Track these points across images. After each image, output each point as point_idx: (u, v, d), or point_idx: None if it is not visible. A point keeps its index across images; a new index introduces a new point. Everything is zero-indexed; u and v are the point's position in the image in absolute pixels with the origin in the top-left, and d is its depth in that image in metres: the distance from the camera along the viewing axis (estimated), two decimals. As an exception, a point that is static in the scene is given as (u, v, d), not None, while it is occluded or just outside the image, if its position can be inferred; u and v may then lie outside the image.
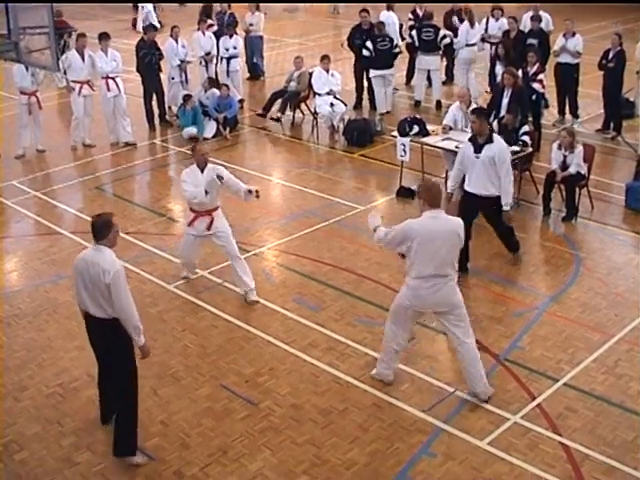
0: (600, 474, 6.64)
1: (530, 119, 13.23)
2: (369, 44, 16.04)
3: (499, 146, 9.44)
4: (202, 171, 9.16)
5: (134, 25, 26.14)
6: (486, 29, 16.99)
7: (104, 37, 14.86)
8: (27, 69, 13.67)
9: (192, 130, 15.31)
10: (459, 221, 7.36)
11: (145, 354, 6.89)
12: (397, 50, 16.44)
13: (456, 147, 11.71)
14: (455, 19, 17.91)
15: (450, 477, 6.66)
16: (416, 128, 12.68)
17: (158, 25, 23.31)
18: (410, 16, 18.41)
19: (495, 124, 11.90)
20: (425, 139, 12.63)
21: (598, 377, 7.90)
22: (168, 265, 10.38)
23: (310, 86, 15.76)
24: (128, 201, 12.61)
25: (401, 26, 18.04)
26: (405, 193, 12.23)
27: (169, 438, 7.20)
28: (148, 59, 15.71)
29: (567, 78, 15.43)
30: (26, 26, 7.80)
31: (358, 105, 17.08)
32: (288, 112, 16.17)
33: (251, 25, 19.40)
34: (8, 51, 7.83)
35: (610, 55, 14.56)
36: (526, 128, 11.87)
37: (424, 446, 7.01)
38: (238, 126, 16.02)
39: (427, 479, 6.65)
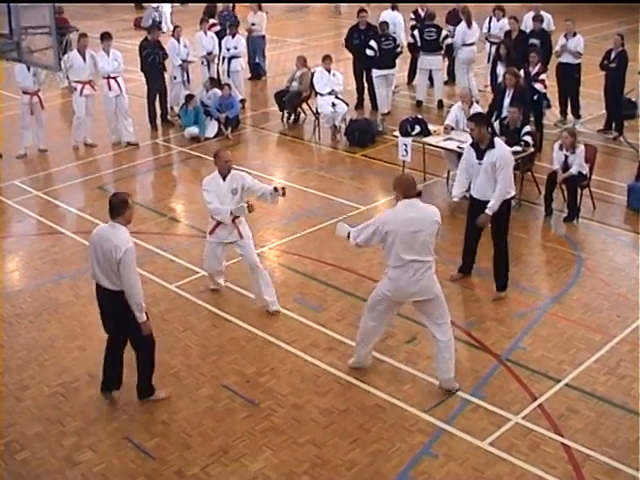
0: (601, 475, 6.64)
1: (532, 119, 13.24)
2: (373, 44, 16.04)
3: (500, 151, 9.06)
4: (224, 178, 8.88)
5: (136, 25, 26.16)
6: (489, 29, 17.01)
7: (106, 37, 14.85)
8: (29, 69, 13.69)
9: (194, 130, 15.33)
10: (434, 208, 7.50)
11: (145, 331, 7.27)
12: (399, 50, 16.46)
13: (458, 147, 11.74)
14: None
15: (451, 478, 6.66)
16: (418, 128, 12.71)
17: (171, 27, 23.26)
18: (412, 16, 18.40)
19: (497, 124, 11.90)
20: (427, 139, 12.64)
21: (600, 378, 7.90)
22: (169, 265, 10.38)
23: (312, 86, 15.76)
24: (130, 201, 12.59)
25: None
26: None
27: (170, 438, 7.20)
28: (151, 58, 15.68)
29: (568, 78, 15.42)
30: (28, 26, 7.79)
31: (360, 105, 17.08)
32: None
33: (253, 25, 19.38)
34: (10, 51, 7.81)
35: (612, 55, 14.56)
36: (528, 128, 11.86)
37: (425, 447, 7.01)
38: (240, 126, 16.02)
39: (428, 480, 6.67)
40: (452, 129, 12.53)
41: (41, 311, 9.40)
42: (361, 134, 14.83)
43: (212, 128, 15.55)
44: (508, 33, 16.12)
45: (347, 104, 15.52)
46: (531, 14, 16.55)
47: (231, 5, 19.95)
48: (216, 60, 17.52)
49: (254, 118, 16.83)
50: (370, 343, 7.96)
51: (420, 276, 7.34)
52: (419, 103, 17.14)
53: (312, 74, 15.81)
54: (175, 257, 10.56)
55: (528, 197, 12.05)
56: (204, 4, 20.08)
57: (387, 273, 7.50)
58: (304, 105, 16.44)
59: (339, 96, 15.39)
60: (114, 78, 14.78)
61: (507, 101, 12.42)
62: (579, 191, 11.37)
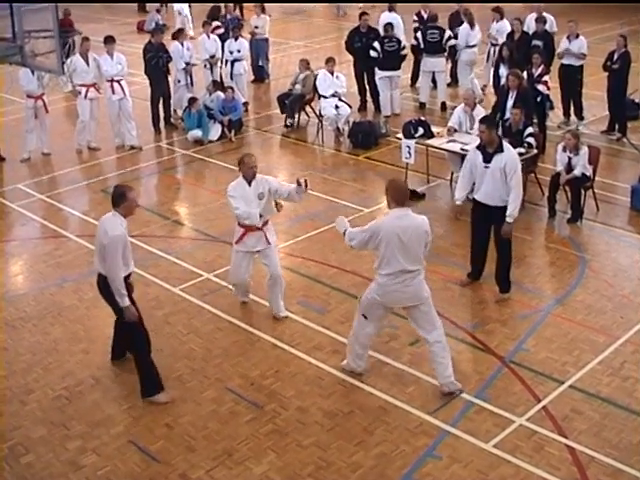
0: (606, 477, 6.63)
1: (535, 121, 13.23)
2: (376, 45, 16.06)
3: (509, 156, 9.00)
4: (249, 184, 8.75)
5: (139, 28, 26.20)
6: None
7: (109, 40, 14.89)
8: (33, 73, 13.70)
9: (197, 133, 15.35)
10: (424, 218, 7.57)
11: (128, 317, 7.47)
12: (405, 52, 16.44)
13: (461, 149, 11.73)
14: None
15: (455, 480, 6.66)
16: (421, 130, 12.72)
17: (192, 33, 23.27)
18: (415, 18, 18.40)
19: (499, 126, 11.91)
20: (430, 141, 12.65)
21: (604, 379, 7.89)
22: (173, 268, 10.39)
23: (315, 88, 15.77)
24: (133, 204, 12.60)
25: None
26: (410, 196, 12.20)
27: (174, 441, 7.21)
28: (155, 61, 15.71)
29: (571, 80, 15.41)
30: (31, 29, 7.81)
31: (363, 107, 17.09)
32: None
33: (256, 28, 19.40)
34: (13, 55, 7.83)
35: (615, 57, 14.55)
36: (531, 130, 11.85)
37: (429, 449, 7.01)
38: (243, 129, 16.03)
39: (432, 482, 6.66)
40: (455, 131, 12.53)
41: (45, 314, 9.41)
42: (364, 136, 14.83)
43: (215, 131, 15.56)
44: (511, 34, 16.13)
45: (350, 106, 15.52)
46: (534, 15, 16.56)
47: (232, 6, 19.92)
48: (219, 63, 17.54)
49: (257, 121, 16.85)
50: (368, 347, 7.99)
51: (409, 283, 7.44)
52: (422, 105, 17.14)
53: (315, 76, 15.83)
54: (179, 260, 10.57)
55: (531, 199, 12.04)
56: (208, 6, 20.15)
57: (377, 279, 7.58)
58: (307, 108, 16.45)
59: (342, 98, 15.39)
60: (117, 81, 14.81)
61: (510, 103, 12.40)
62: (582, 192, 11.36)
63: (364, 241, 7.49)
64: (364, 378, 7.98)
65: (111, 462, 6.97)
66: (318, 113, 15.72)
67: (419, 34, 16.70)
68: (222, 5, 20.13)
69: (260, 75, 19.88)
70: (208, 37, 17.25)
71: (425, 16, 17.95)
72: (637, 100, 15.84)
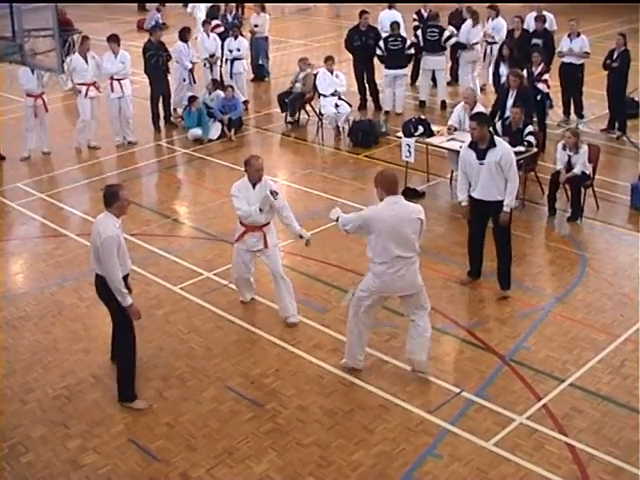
0: (606, 475, 6.63)
1: (535, 119, 13.22)
2: (381, 44, 16.08)
3: (503, 149, 9.04)
4: (254, 186, 8.68)
5: (139, 26, 26.17)
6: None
7: (112, 39, 14.89)
8: (33, 71, 13.68)
9: (197, 132, 15.35)
10: (418, 206, 7.62)
11: (133, 315, 7.41)
12: (411, 51, 16.40)
13: (461, 147, 11.70)
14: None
15: (456, 478, 6.65)
16: (421, 129, 12.70)
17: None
18: (415, 16, 18.40)
19: (499, 125, 11.90)
20: (430, 140, 12.64)
21: (604, 377, 7.89)
22: (173, 267, 10.39)
23: (315, 87, 15.77)
24: (133, 203, 12.46)
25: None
26: (410, 194, 12.19)
27: (175, 440, 7.21)
28: (155, 60, 15.71)
29: (571, 78, 15.41)
30: (31, 28, 7.81)
31: (363, 106, 17.09)
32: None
33: (256, 26, 19.39)
34: (13, 53, 7.83)
35: (615, 55, 14.55)
36: (530, 128, 11.84)
37: (430, 447, 7.01)
38: (243, 127, 16.02)
39: (433, 480, 6.66)
40: (455, 129, 12.51)
41: (45, 314, 9.41)
42: (364, 135, 14.84)
43: (215, 130, 15.56)
44: (510, 33, 16.12)
45: (350, 105, 15.52)
46: (533, 14, 16.55)
47: (234, 6, 19.89)
48: (219, 62, 17.53)
49: (257, 120, 16.84)
50: (365, 344, 8.03)
51: (405, 271, 7.50)
52: (422, 103, 17.14)
53: (315, 75, 15.82)
54: (179, 259, 10.57)
55: (531, 197, 12.05)
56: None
57: (371, 269, 7.64)
58: (307, 106, 16.45)
59: (342, 97, 15.39)
60: (118, 80, 14.81)
61: (510, 102, 12.40)
62: (582, 191, 11.36)
63: (356, 226, 7.62)
64: (364, 377, 7.98)
65: (111, 461, 6.97)
66: (318, 112, 15.72)
67: (419, 32, 16.70)
68: (222, 5, 20.14)
69: (260, 74, 19.88)
70: (208, 36, 17.24)
71: (425, 15, 17.95)
72: (637, 98, 15.84)
